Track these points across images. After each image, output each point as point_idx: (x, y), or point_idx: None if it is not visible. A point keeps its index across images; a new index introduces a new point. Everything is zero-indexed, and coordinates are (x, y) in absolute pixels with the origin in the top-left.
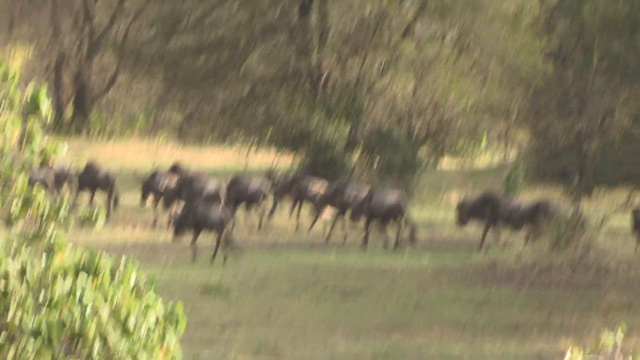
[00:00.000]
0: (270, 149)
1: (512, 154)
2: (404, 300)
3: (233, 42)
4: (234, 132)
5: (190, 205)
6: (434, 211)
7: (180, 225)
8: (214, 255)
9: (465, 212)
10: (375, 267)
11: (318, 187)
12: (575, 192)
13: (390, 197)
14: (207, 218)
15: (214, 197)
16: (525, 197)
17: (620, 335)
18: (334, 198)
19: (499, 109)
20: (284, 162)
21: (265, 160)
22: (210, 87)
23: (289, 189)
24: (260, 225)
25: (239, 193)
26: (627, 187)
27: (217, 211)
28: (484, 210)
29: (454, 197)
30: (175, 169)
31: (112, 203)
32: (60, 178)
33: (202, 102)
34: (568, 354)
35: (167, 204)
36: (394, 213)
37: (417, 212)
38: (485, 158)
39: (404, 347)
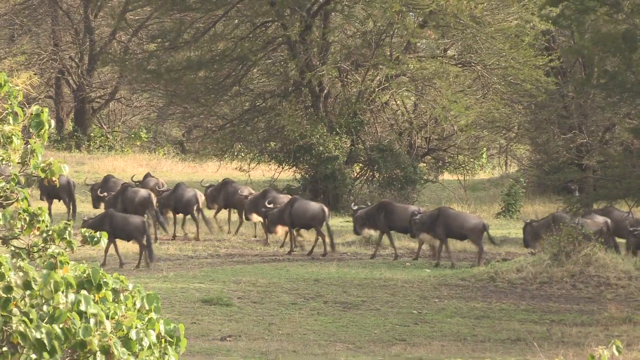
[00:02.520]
0: (271, 162)
1: (513, 168)
2: (405, 313)
3: (234, 56)
4: (235, 146)
5: (106, 213)
6: None
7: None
8: (138, 264)
9: (360, 221)
10: (375, 280)
11: (246, 193)
12: (575, 207)
13: (312, 206)
14: (124, 226)
15: (144, 206)
16: (527, 210)
17: (615, 349)
18: (260, 205)
19: (500, 124)
20: (286, 175)
21: (266, 174)
22: (212, 102)
23: (217, 195)
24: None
25: (176, 202)
26: (627, 202)
27: (133, 220)
28: (379, 217)
29: None
30: (146, 177)
31: (71, 211)
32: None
33: (203, 116)
34: None
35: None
36: (315, 222)
37: None
38: (485, 172)
39: (404, 359)
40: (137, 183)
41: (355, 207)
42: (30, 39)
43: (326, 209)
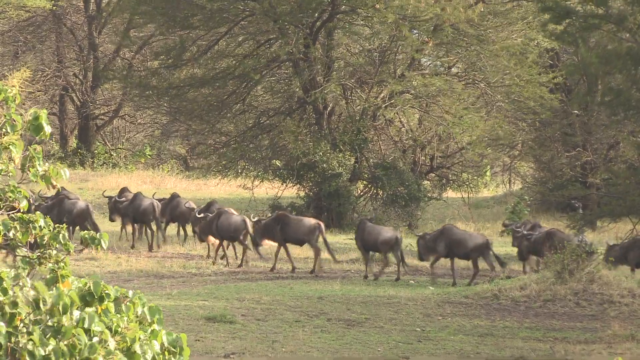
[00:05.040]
0: (275, 180)
1: (516, 186)
2: (408, 331)
3: (237, 73)
4: (239, 163)
5: None
6: None
7: None
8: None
9: (259, 233)
10: (379, 298)
11: (186, 207)
12: (579, 224)
13: (234, 219)
14: None
15: (82, 217)
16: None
17: None
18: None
19: (504, 142)
20: (289, 193)
21: (270, 191)
22: (215, 119)
23: (164, 209)
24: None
25: (134, 211)
26: (631, 219)
27: None
28: (276, 229)
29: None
30: (122, 192)
31: None
32: None
33: (207, 134)
34: None
35: None
36: (237, 234)
37: None
38: (489, 190)
39: None
40: (111, 198)
41: (256, 219)
42: (34, 56)
43: (248, 221)
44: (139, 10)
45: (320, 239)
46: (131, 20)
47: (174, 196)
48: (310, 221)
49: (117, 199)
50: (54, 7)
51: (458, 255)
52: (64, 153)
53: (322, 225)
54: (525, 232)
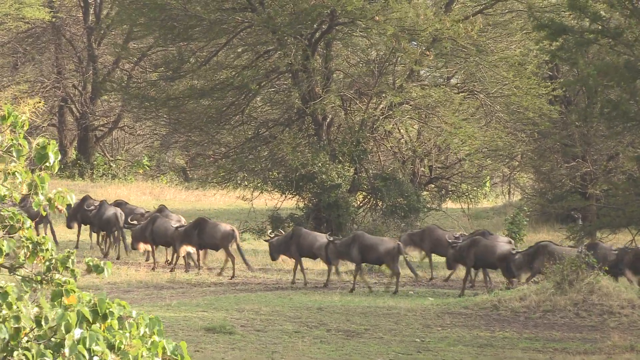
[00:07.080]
0: (274, 191)
1: (516, 197)
2: (408, 341)
3: (237, 85)
4: (238, 174)
5: None
6: None
7: None
8: None
9: (179, 239)
10: (379, 308)
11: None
12: (578, 235)
13: (171, 225)
14: None
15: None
16: (531, 239)
17: None
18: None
19: (503, 153)
20: (289, 204)
21: (269, 202)
22: (215, 130)
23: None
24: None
25: (99, 220)
26: (630, 230)
27: None
28: (193, 234)
29: None
30: (84, 200)
31: None
32: None
33: (206, 145)
34: None
35: None
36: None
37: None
38: (489, 201)
39: None
40: (69, 206)
41: (177, 225)
42: (33, 67)
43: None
44: (138, 22)
45: (234, 246)
46: (130, 31)
47: (120, 203)
48: (226, 227)
49: (85, 207)
50: (53, 19)
51: (370, 261)
52: (63, 165)
53: (237, 232)
54: (450, 241)
